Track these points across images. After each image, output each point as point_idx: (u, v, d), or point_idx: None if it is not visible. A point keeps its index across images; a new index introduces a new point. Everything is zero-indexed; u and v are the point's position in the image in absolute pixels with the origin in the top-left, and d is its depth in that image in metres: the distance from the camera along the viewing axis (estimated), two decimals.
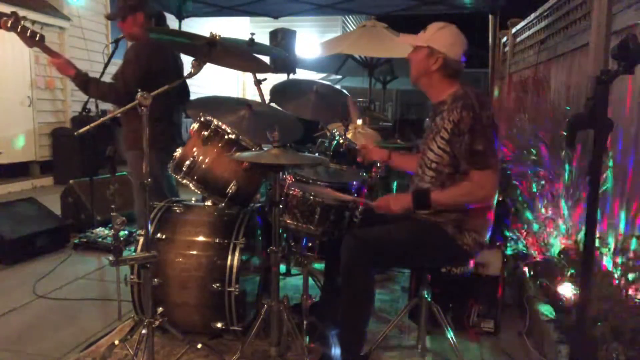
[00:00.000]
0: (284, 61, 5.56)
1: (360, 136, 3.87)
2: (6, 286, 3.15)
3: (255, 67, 2.70)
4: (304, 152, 2.93)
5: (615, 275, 2.22)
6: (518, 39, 5.32)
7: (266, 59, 3.63)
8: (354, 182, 2.41)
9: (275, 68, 5.45)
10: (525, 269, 2.84)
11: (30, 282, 3.17)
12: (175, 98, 3.02)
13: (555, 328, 2.30)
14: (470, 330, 2.56)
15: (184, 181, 2.33)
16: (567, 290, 2.43)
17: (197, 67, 2.13)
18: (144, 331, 1.96)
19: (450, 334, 2.26)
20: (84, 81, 2.79)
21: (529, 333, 2.51)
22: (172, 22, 6.11)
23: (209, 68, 2.40)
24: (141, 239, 2.24)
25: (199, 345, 2.15)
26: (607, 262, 2.33)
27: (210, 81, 7.17)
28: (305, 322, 2.19)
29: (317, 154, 2.71)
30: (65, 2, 7.24)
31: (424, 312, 2.28)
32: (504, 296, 2.62)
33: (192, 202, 2.52)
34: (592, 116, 1.37)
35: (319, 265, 2.97)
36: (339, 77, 8.73)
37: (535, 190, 3.04)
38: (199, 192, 2.36)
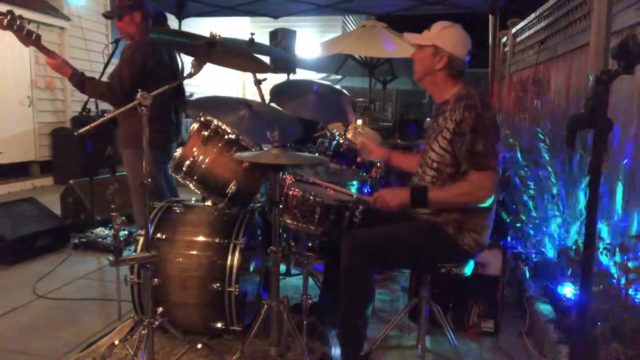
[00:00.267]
0: (284, 61, 5.56)
1: (360, 136, 3.87)
2: (6, 286, 3.15)
3: (255, 67, 2.70)
4: (304, 152, 2.93)
5: (615, 276, 2.22)
6: (518, 39, 5.32)
7: (266, 59, 3.63)
8: (354, 183, 2.41)
9: (275, 68, 5.46)
10: (525, 269, 2.84)
11: (30, 282, 3.17)
12: (171, 97, 3.02)
13: (555, 328, 2.30)
14: (470, 330, 2.56)
15: (184, 181, 2.33)
16: (567, 290, 2.43)
17: (197, 67, 2.13)
18: (144, 331, 1.96)
19: (450, 334, 2.26)
20: (80, 80, 2.80)
21: (529, 333, 2.51)
22: (172, 22, 6.11)
23: (209, 68, 2.40)
24: (141, 239, 2.24)
25: (199, 345, 2.15)
26: (607, 262, 2.33)
27: (210, 81, 7.17)
28: (305, 322, 2.19)
29: (317, 154, 2.71)
30: (65, 2, 7.24)
31: (424, 312, 2.28)
32: (504, 296, 2.62)
33: (192, 202, 2.52)
34: (592, 116, 1.37)
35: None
36: (339, 77, 8.73)
37: (535, 190, 3.03)
38: (199, 192, 2.36)
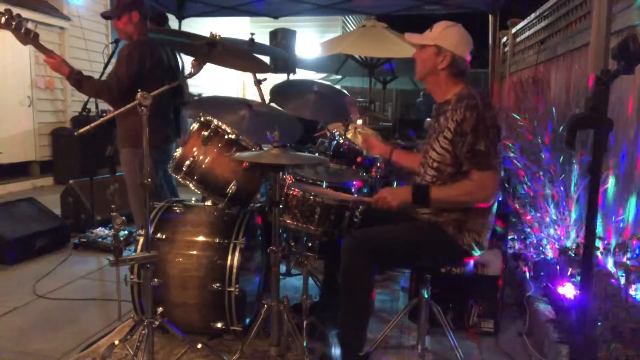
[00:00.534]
0: (284, 61, 5.56)
1: (361, 136, 3.87)
2: (6, 286, 3.15)
3: (255, 67, 2.70)
4: (304, 152, 2.93)
5: (615, 276, 2.22)
6: (518, 39, 5.33)
7: (266, 59, 3.63)
8: (354, 183, 2.41)
9: (275, 68, 5.46)
10: (525, 269, 2.84)
11: (30, 282, 3.17)
12: (170, 97, 3.02)
13: (555, 328, 2.30)
14: (470, 330, 2.56)
15: (184, 181, 2.33)
16: (567, 290, 2.43)
17: (197, 67, 2.14)
18: (144, 331, 1.96)
19: (450, 334, 2.26)
20: (77, 79, 2.81)
21: (529, 333, 2.51)
22: (172, 22, 6.11)
23: (209, 68, 2.40)
24: (141, 239, 2.24)
25: (199, 345, 2.15)
26: (607, 262, 2.33)
27: (210, 81, 7.17)
28: (305, 322, 2.19)
29: (317, 154, 2.71)
30: (65, 2, 7.23)
31: (424, 312, 2.28)
32: (504, 296, 2.62)
33: (192, 202, 2.52)
34: (592, 116, 1.37)
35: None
36: (339, 77, 8.73)
37: (535, 190, 3.04)
38: (199, 192, 2.36)
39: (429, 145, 2.11)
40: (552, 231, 2.83)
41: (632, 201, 2.37)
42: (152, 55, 2.86)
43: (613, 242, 2.40)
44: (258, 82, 3.12)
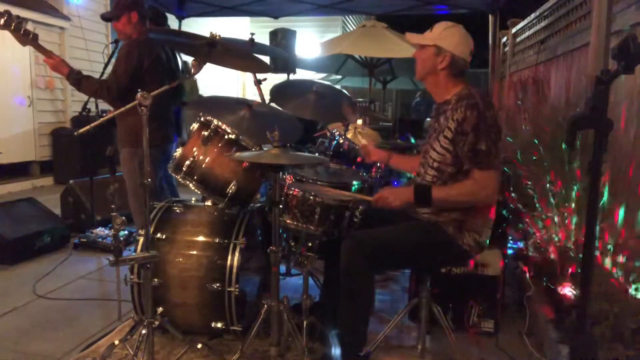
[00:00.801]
0: (284, 61, 5.56)
1: (360, 136, 3.87)
2: (6, 286, 3.15)
3: (255, 67, 2.70)
4: (304, 152, 2.93)
5: (615, 275, 2.22)
6: (518, 39, 5.33)
7: (266, 59, 3.63)
8: (354, 183, 2.41)
9: (275, 68, 5.46)
10: (525, 269, 2.84)
11: (30, 282, 3.17)
12: (170, 97, 3.02)
13: (555, 328, 2.30)
14: (470, 330, 2.56)
15: (184, 181, 2.33)
16: (567, 290, 2.43)
17: (197, 67, 2.14)
18: (144, 331, 1.96)
19: (450, 334, 2.26)
20: (77, 79, 2.83)
21: (529, 333, 2.51)
22: (172, 22, 6.11)
23: (209, 68, 2.40)
24: (141, 239, 2.24)
25: (199, 345, 2.15)
26: (607, 262, 2.33)
27: (210, 81, 7.17)
28: (305, 322, 2.19)
29: (317, 154, 2.71)
30: (65, 2, 7.24)
31: (424, 312, 2.28)
32: (504, 296, 2.62)
33: (192, 202, 2.52)
34: (592, 116, 1.37)
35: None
36: (339, 77, 8.73)
37: (535, 190, 3.04)
38: (199, 192, 2.36)
39: (429, 145, 2.11)
40: (552, 231, 2.82)
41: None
42: (151, 54, 2.87)
43: (613, 242, 2.40)
44: (258, 82, 3.12)
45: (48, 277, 3.29)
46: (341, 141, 2.80)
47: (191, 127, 2.39)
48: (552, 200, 2.83)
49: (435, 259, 2.12)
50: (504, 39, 6.01)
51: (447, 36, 2.04)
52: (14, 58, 6.38)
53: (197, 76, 5.71)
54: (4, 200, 4.15)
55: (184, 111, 3.36)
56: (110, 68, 3.04)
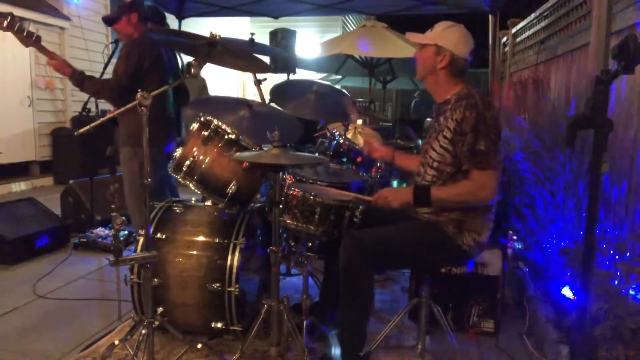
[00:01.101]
0: (284, 61, 5.56)
1: (360, 136, 3.87)
2: (6, 286, 3.15)
3: (255, 67, 2.70)
4: (304, 152, 2.93)
5: (615, 275, 2.22)
6: (518, 39, 5.32)
7: (266, 59, 3.63)
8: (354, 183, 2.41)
9: (275, 68, 5.46)
10: (526, 269, 2.84)
11: (30, 282, 3.17)
12: (171, 96, 3.02)
13: (555, 328, 2.30)
14: (470, 330, 2.56)
15: (184, 181, 2.33)
16: (567, 290, 2.43)
17: (197, 67, 2.14)
18: (144, 331, 1.96)
19: (450, 334, 2.26)
20: (79, 79, 2.84)
21: (529, 333, 2.51)
22: (172, 22, 6.11)
23: (209, 68, 2.40)
24: (141, 239, 2.24)
25: (199, 345, 2.15)
26: (607, 262, 2.33)
27: (211, 81, 7.16)
28: (305, 322, 2.19)
29: (317, 154, 2.71)
30: (65, 2, 7.24)
31: (424, 312, 2.28)
32: (504, 296, 2.62)
33: (192, 202, 2.52)
34: (592, 116, 1.37)
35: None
36: (339, 77, 8.73)
37: (535, 190, 3.03)
38: (199, 192, 2.36)
39: (428, 145, 2.12)
40: (552, 231, 2.82)
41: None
42: (152, 54, 2.87)
43: (613, 242, 2.40)
44: (258, 82, 3.12)
45: (48, 277, 3.29)
46: (341, 141, 2.80)
47: (191, 127, 2.39)
48: (552, 199, 2.83)
49: (434, 258, 2.12)
50: (504, 39, 6.01)
51: (447, 35, 2.04)
52: (14, 58, 6.38)
53: (204, 77, 5.70)
54: (4, 200, 4.14)
55: (184, 111, 3.36)
56: (110, 68, 3.04)
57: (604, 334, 1.94)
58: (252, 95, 10.49)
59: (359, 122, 3.89)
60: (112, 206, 2.49)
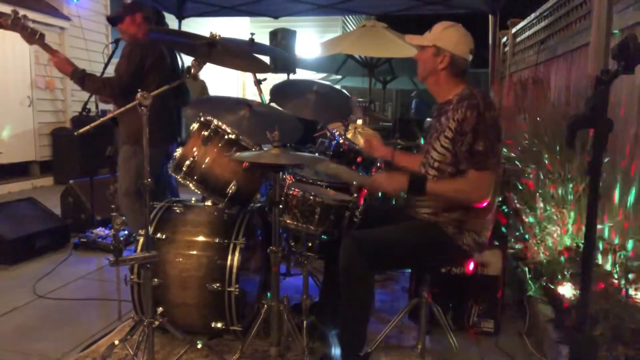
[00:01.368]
0: (284, 61, 5.56)
1: (360, 136, 3.87)
2: (6, 286, 3.15)
3: (255, 67, 2.70)
4: (304, 152, 2.93)
5: (615, 275, 2.22)
6: (518, 39, 5.32)
7: (266, 59, 3.63)
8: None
9: (275, 68, 5.46)
10: (525, 269, 2.84)
11: (30, 282, 3.17)
12: (172, 97, 3.03)
13: (555, 328, 2.30)
14: (470, 330, 2.56)
15: (184, 181, 2.32)
16: (567, 290, 2.43)
17: (197, 67, 2.14)
18: (144, 331, 1.96)
19: (450, 334, 2.26)
20: (80, 77, 2.86)
21: (529, 333, 2.51)
22: (172, 22, 6.11)
23: (209, 68, 2.40)
24: (141, 239, 2.24)
25: (199, 345, 2.15)
26: (607, 262, 2.33)
27: (211, 81, 7.17)
28: (305, 322, 2.19)
29: (317, 154, 2.70)
30: (65, 2, 7.24)
31: (424, 312, 2.28)
32: (504, 296, 2.62)
33: (192, 202, 2.52)
34: (592, 116, 1.37)
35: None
36: (339, 77, 8.73)
37: (535, 190, 3.03)
38: (199, 192, 2.36)
39: (430, 145, 2.11)
40: (552, 231, 2.82)
41: (631, 198, 2.37)
42: (153, 53, 2.88)
43: (613, 242, 2.40)
44: (258, 82, 3.12)
45: (48, 277, 3.29)
46: (341, 141, 2.80)
47: (191, 127, 2.39)
48: (552, 199, 2.83)
49: (434, 259, 2.12)
50: (504, 39, 6.01)
51: (446, 36, 2.04)
52: (14, 58, 6.37)
53: (203, 77, 5.70)
54: (4, 200, 4.14)
55: (184, 111, 3.36)
56: (110, 68, 3.05)
57: (604, 334, 1.94)
58: (252, 95, 10.50)
59: (359, 122, 3.90)
60: (112, 206, 2.48)
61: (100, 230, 4.00)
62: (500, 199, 3.10)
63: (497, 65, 5.97)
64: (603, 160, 1.41)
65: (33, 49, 6.41)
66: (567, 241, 2.70)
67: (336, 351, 2.18)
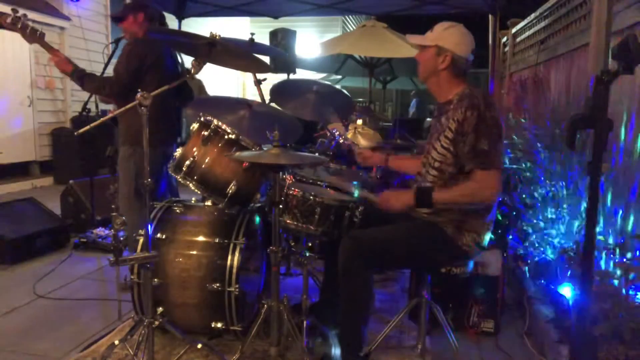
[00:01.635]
0: (284, 61, 5.57)
1: (360, 136, 3.87)
2: (6, 286, 3.15)
3: (255, 67, 2.70)
4: (304, 152, 2.93)
5: (615, 275, 2.22)
6: (518, 39, 5.32)
7: (266, 59, 3.63)
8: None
9: (275, 68, 5.46)
10: (525, 269, 2.84)
11: (30, 282, 3.17)
12: (173, 97, 3.02)
13: (555, 328, 2.30)
14: (470, 330, 2.56)
15: (184, 181, 2.33)
16: (567, 290, 2.43)
17: (197, 67, 2.14)
18: (144, 331, 1.96)
19: (450, 334, 2.26)
20: (80, 77, 2.86)
21: (529, 333, 2.51)
22: (172, 22, 6.11)
23: (209, 68, 2.40)
24: (141, 239, 2.24)
25: (199, 345, 2.15)
26: (607, 262, 2.33)
27: (211, 81, 7.17)
28: (305, 322, 2.19)
29: (317, 154, 2.71)
30: (65, 2, 7.24)
31: (424, 312, 2.28)
32: (504, 296, 2.62)
33: (192, 202, 2.52)
34: (592, 116, 1.37)
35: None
36: (339, 77, 8.74)
37: (535, 190, 3.03)
38: (199, 192, 2.36)
39: (430, 145, 2.11)
40: (552, 231, 2.82)
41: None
42: (153, 53, 2.87)
43: (613, 242, 2.40)
44: (258, 82, 3.12)
45: (48, 277, 3.29)
46: (341, 141, 2.80)
47: (191, 127, 2.39)
48: (552, 199, 2.83)
49: (434, 259, 2.11)
50: (504, 39, 6.01)
51: (448, 36, 2.04)
52: (14, 58, 6.37)
53: (200, 78, 5.69)
54: (4, 200, 4.14)
55: (184, 111, 3.36)
56: (111, 68, 3.04)
57: (604, 334, 1.94)
58: (252, 95, 10.50)
59: (359, 122, 3.90)
60: (112, 206, 2.48)
61: (100, 230, 4.01)
62: (500, 199, 3.10)
63: (497, 65, 5.97)
64: (603, 160, 1.41)
65: (33, 49, 6.42)
66: (567, 241, 2.70)
67: (336, 351, 2.18)
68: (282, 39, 6.00)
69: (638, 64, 1.33)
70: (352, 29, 11.23)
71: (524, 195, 3.14)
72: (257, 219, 2.54)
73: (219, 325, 2.29)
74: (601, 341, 1.92)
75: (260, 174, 2.39)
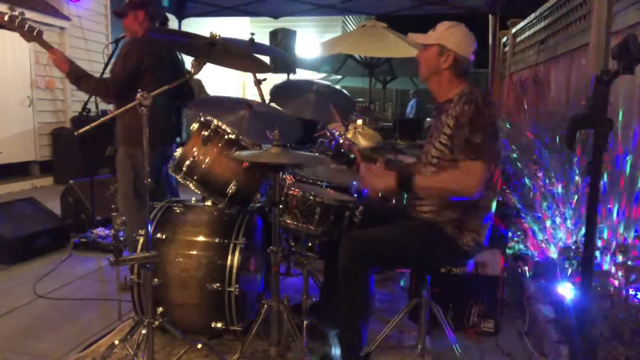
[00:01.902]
0: (284, 61, 5.57)
1: (360, 136, 3.87)
2: (6, 286, 3.15)
3: (255, 67, 2.70)
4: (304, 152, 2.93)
5: (615, 276, 2.22)
6: (518, 39, 5.33)
7: (266, 59, 3.63)
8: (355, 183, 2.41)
9: (275, 68, 5.46)
10: (525, 269, 2.84)
11: (30, 282, 3.17)
12: (171, 98, 3.02)
13: (555, 328, 2.30)
14: (470, 330, 2.56)
15: (184, 181, 2.32)
16: (567, 290, 2.43)
17: (197, 67, 2.14)
18: (144, 331, 1.96)
19: (450, 334, 2.26)
20: (76, 77, 2.84)
21: (529, 333, 2.51)
22: (172, 22, 6.10)
23: (209, 68, 2.40)
24: (141, 239, 2.24)
25: (199, 345, 2.15)
26: (607, 262, 2.33)
27: (211, 81, 7.17)
28: (305, 322, 2.19)
29: (317, 154, 2.71)
30: (65, 2, 7.24)
31: (424, 312, 2.28)
32: (504, 296, 2.62)
33: (192, 202, 2.52)
34: (592, 116, 1.37)
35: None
36: (339, 77, 8.74)
37: (535, 190, 3.04)
38: (199, 192, 2.36)
39: (431, 145, 2.11)
40: (552, 231, 2.83)
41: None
42: (151, 53, 2.86)
43: (613, 242, 2.40)
44: (258, 82, 3.12)
45: (48, 277, 3.29)
46: (341, 141, 2.80)
47: (191, 127, 2.39)
48: (552, 199, 2.83)
49: (434, 259, 2.11)
50: (504, 39, 6.01)
51: (450, 35, 2.04)
52: (14, 58, 6.37)
53: (200, 78, 5.69)
54: (4, 200, 4.14)
55: (184, 111, 3.36)
56: (110, 68, 3.04)
57: (604, 334, 1.94)
58: (252, 95, 10.50)
59: (359, 122, 3.90)
60: (112, 206, 2.48)
61: (100, 230, 4.01)
62: (500, 199, 3.10)
63: (497, 65, 5.98)
64: (603, 160, 1.41)
65: (33, 49, 6.42)
66: (567, 241, 2.70)
67: (336, 351, 2.18)
68: (282, 39, 6.01)
69: (638, 64, 1.33)
70: (352, 29, 11.22)
71: (524, 195, 3.14)
72: (257, 219, 2.54)
73: (219, 325, 2.29)
74: (601, 341, 1.92)
75: (260, 174, 2.39)
